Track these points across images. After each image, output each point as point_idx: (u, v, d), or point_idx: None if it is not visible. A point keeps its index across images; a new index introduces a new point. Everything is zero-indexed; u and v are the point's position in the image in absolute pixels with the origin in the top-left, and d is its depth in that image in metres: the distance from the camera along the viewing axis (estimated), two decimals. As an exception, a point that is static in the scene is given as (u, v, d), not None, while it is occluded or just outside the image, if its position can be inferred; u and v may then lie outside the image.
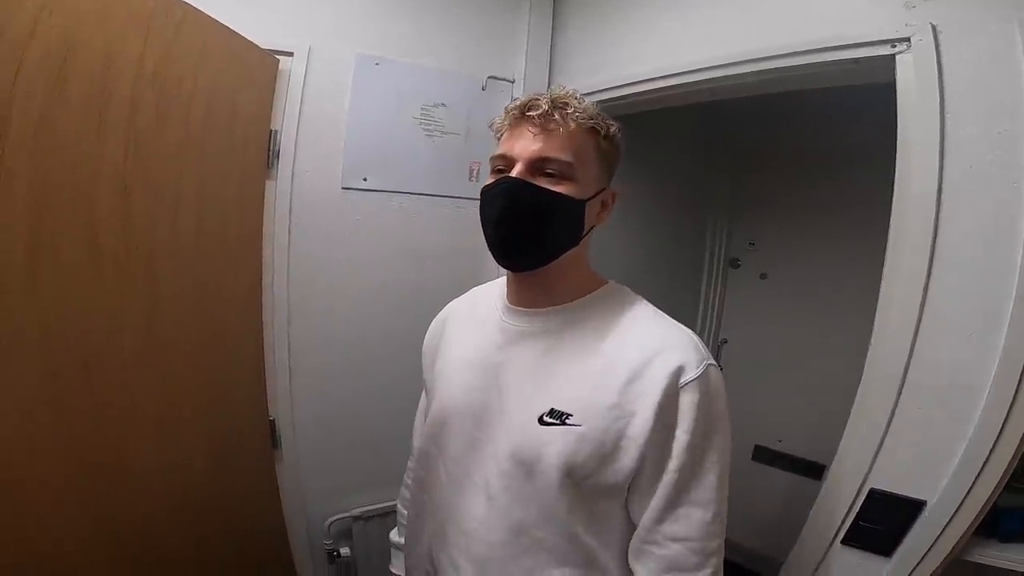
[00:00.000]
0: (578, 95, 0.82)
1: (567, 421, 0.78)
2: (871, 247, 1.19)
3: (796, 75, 1.36)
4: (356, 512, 1.73)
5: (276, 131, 1.57)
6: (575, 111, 0.79)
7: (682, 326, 0.84)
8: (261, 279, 1.59)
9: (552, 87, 0.86)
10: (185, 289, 1.36)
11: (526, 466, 0.80)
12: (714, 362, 0.80)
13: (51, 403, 1.09)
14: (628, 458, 0.76)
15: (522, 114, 0.80)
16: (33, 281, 1.05)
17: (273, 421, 1.65)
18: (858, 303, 1.22)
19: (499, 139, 0.86)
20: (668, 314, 0.87)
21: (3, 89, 0.97)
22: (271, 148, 1.57)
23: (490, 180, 0.84)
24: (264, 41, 1.50)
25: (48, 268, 1.07)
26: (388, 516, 1.72)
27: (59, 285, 1.10)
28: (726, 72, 1.46)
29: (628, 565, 0.82)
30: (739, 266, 2.88)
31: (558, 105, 0.79)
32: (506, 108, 0.84)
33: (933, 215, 1.08)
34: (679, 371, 0.75)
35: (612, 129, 0.84)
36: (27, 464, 1.06)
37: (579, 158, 0.80)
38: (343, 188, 1.69)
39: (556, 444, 0.78)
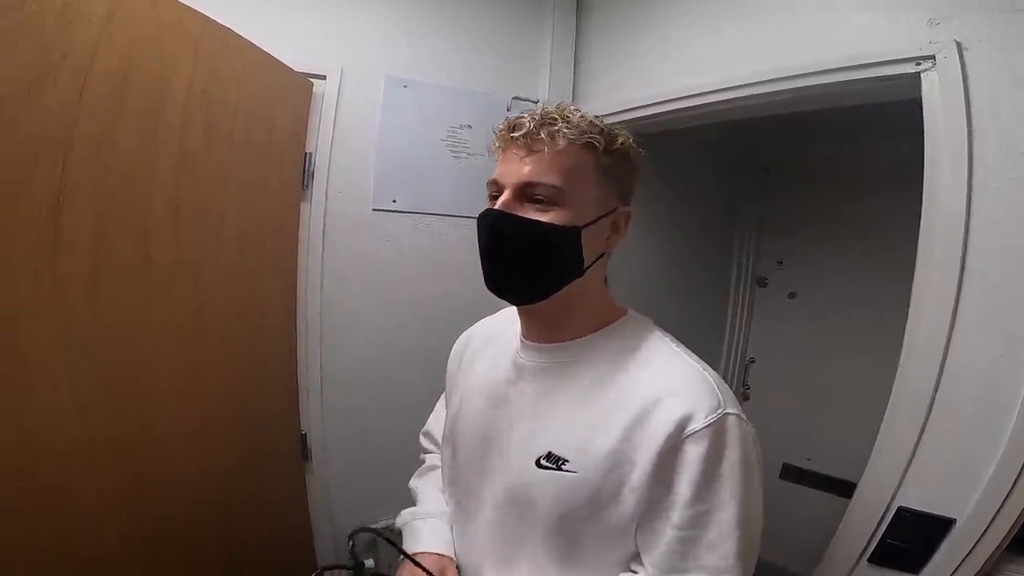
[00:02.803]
0: (571, 109, 0.75)
1: (563, 467, 0.74)
2: (901, 265, 1.18)
3: (821, 93, 1.37)
4: (381, 525, 1.75)
5: (310, 153, 1.63)
6: (564, 126, 0.71)
7: (703, 366, 0.76)
8: (296, 296, 1.64)
9: (559, 103, 0.78)
10: (228, 302, 1.41)
11: (521, 507, 0.78)
12: (735, 411, 0.71)
13: (106, 411, 1.13)
14: (627, 507, 0.72)
15: (509, 135, 0.74)
16: (95, 291, 1.09)
17: (305, 435, 1.68)
18: (888, 321, 1.21)
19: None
20: (693, 332, 0.85)
21: (69, 106, 1.01)
22: (306, 170, 1.63)
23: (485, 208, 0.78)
24: (298, 64, 1.56)
25: (108, 278, 1.12)
26: (415, 529, 1.74)
27: (117, 295, 1.14)
28: (750, 92, 1.47)
29: None
30: (767, 285, 2.87)
31: (545, 122, 0.72)
32: (496, 129, 0.78)
33: (962, 234, 1.08)
34: (686, 419, 0.69)
35: (619, 142, 0.76)
36: (84, 470, 1.09)
37: (571, 180, 0.72)
38: (374, 209, 1.74)
39: (550, 489, 0.75)
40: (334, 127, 1.65)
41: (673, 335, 0.83)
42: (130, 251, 1.17)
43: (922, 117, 1.18)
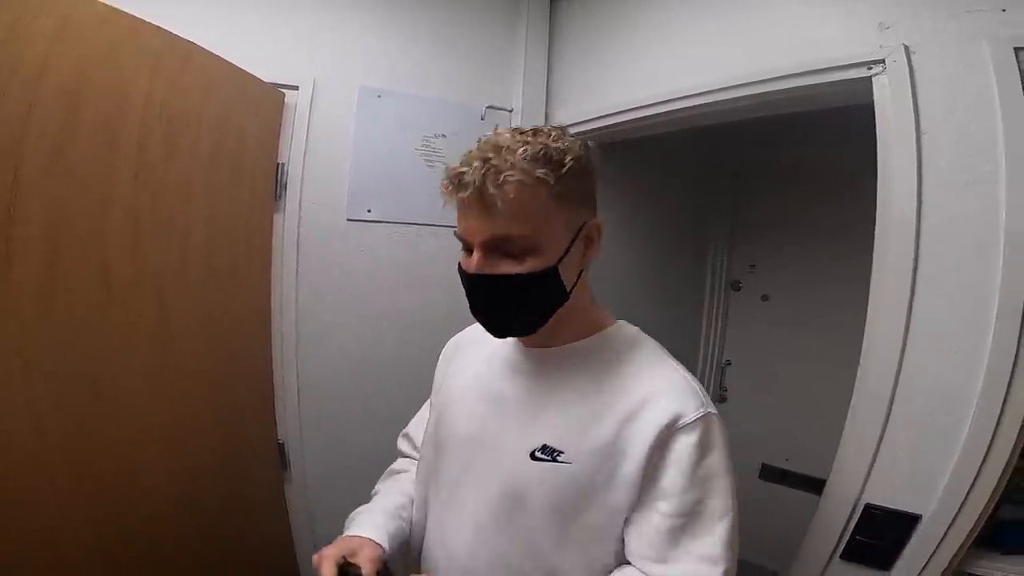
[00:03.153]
0: (507, 140, 0.72)
1: (558, 458, 0.77)
2: (867, 268, 1.21)
3: (782, 98, 1.40)
4: (362, 535, 1.75)
5: (283, 164, 1.63)
6: (508, 173, 0.68)
7: (685, 371, 0.82)
8: (270, 307, 1.64)
9: (481, 139, 0.75)
10: (195, 314, 1.40)
11: (514, 500, 0.80)
12: (715, 411, 0.77)
13: (61, 421, 1.12)
14: (619, 499, 0.75)
15: (457, 195, 0.73)
16: (48, 303, 1.09)
17: (282, 444, 1.68)
18: (857, 323, 1.24)
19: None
20: (670, 337, 0.88)
21: (19, 121, 1.02)
22: (278, 180, 1.63)
23: (460, 260, 0.79)
24: (270, 75, 1.56)
25: (62, 291, 1.12)
26: (394, 538, 1.73)
27: (72, 307, 1.14)
28: (715, 98, 1.50)
29: None
30: (740, 288, 2.89)
31: (488, 172, 0.68)
32: (441, 179, 0.76)
33: (914, 236, 1.11)
34: (677, 414, 0.74)
35: (567, 161, 0.72)
36: (37, 479, 1.09)
37: (534, 222, 0.71)
38: (348, 219, 1.74)
39: (545, 480, 0.77)
40: (307, 137, 1.65)
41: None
42: (86, 261, 1.16)
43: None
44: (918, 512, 1.13)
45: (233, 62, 1.45)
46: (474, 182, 0.69)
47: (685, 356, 0.89)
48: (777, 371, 2.68)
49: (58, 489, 1.12)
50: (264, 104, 1.57)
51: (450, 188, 0.73)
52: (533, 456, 0.78)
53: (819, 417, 2.37)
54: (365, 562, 0.76)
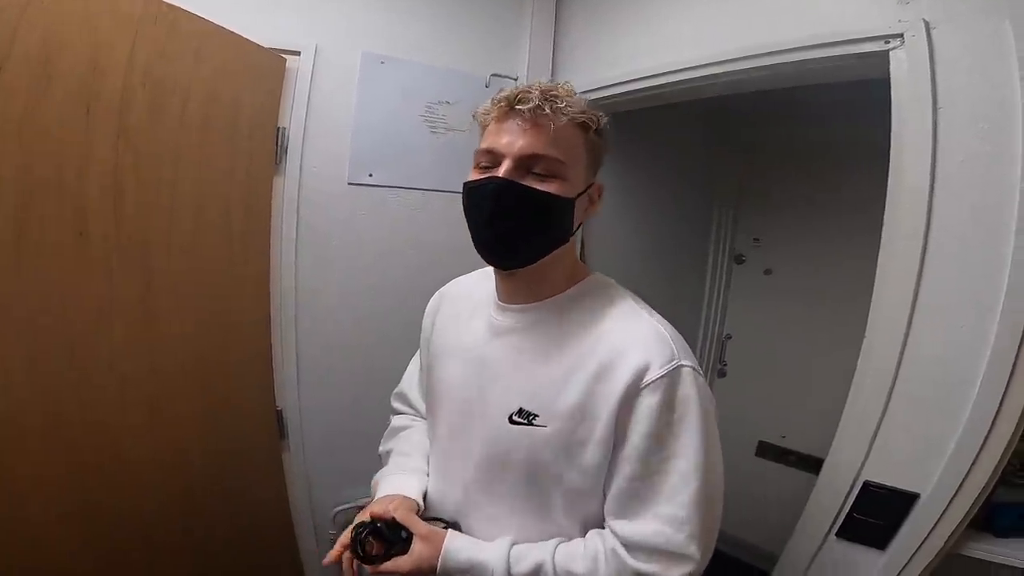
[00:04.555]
0: (570, 88, 0.79)
1: (533, 421, 0.79)
2: (874, 245, 1.19)
3: (795, 71, 1.36)
4: (362, 502, 1.74)
5: (284, 128, 1.61)
6: (567, 105, 0.75)
7: (661, 321, 0.81)
8: (269, 271, 1.62)
9: (542, 80, 0.81)
10: (184, 279, 1.40)
11: (497, 463, 0.83)
12: (689, 363, 0.76)
13: (35, 385, 1.13)
14: (592, 459, 0.77)
15: (510, 107, 0.77)
16: (18, 262, 1.10)
17: (280, 411, 1.68)
18: (862, 299, 1.22)
19: (483, 131, 0.83)
20: (671, 309, 0.87)
21: None
22: (279, 144, 1.60)
23: (475, 176, 0.80)
24: (271, 41, 1.53)
25: (33, 251, 1.12)
26: (391, 506, 1.75)
27: (44, 268, 1.14)
28: (725, 68, 1.46)
29: None
30: (744, 262, 2.88)
31: (549, 98, 0.75)
32: (493, 99, 0.80)
33: (926, 209, 1.09)
34: (641, 371, 0.73)
35: (602, 123, 0.81)
36: (9, 445, 1.10)
37: (569, 155, 0.77)
38: (349, 184, 1.72)
39: (522, 444, 0.80)
40: (308, 102, 1.62)
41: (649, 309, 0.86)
42: (60, 222, 1.16)
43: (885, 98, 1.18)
44: (917, 491, 1.12)
45: (231, 28, 1.43)
46: (535, 99, 0.74)
47: (686, 329, 0.88)
48: (778, 347, 2.68)
49: (35, 455, 1.13)
50: (264, 69, 1.54)
51: (503, 103, 0.77)
52: (511, 420, 0.81)
53: (818, 395, 2.38)
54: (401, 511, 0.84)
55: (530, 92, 0.75)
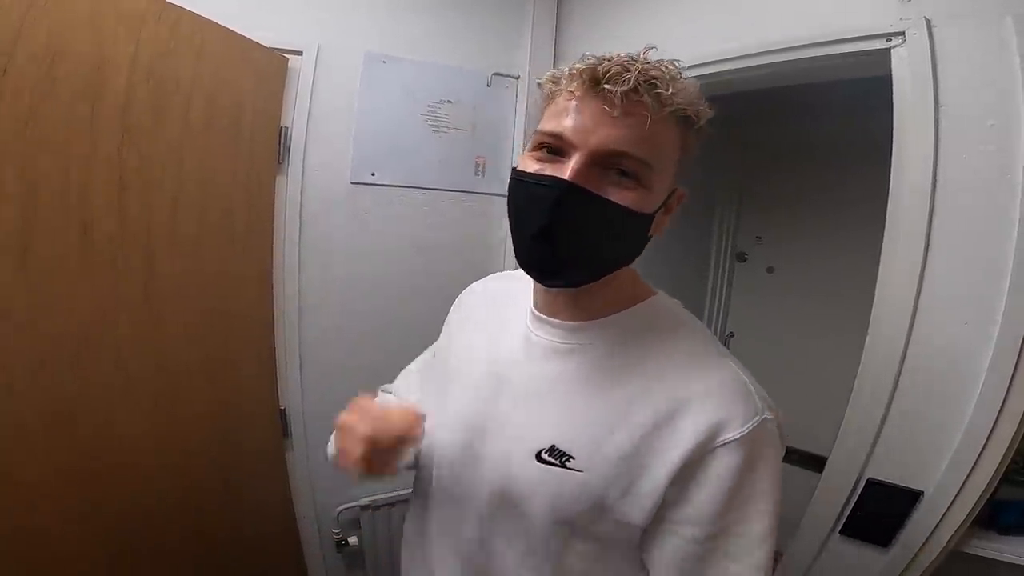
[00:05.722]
0: (672, 70, 0.60)
1: (567, 464, 0.64)
2: (878, 241, 1.19)
3: (794, 69, 1.36)
4: (364, 501, 1.77)
5: (286, 128, 1.61)
6: (672, 93, 0.58)
7: (736, 362, 0.67)
8: (272, 270, 1.63)
9: (639, 53, 0.62)
10: (187, 278, 1.40)
11: (511, 502, 0.68)
12: (771, 415, 0.62)
13: (40, 385, 1.13)
14: (633, 515, 0.64)
15: (596, 83, 0.58)
16: (23, 263, 1.10)
17: (284, 411, 1.68)
18: (865, 296, 1.22)
19: (548, 104, 0.64)
20: None
21: None
22: (281, 144, 1.61)
23: (532, 165, 0.63)
24: (273, 40, 1.54)
25: (39, 252, 1.12)
26: (395, 506, 1.76)
27: (50, 269, 1.14)
28: (725, 67, 1.46)
29: None
30: (746, 260, 2.88)
31: (649, 81, 0.57)
32: (573, 67, 0.61)
33: (928, 207, 1.09)
34: (718, 427, 0.60)
35: (704, 119, 0.64)
36: (14, 446, 1.10)
37: (660, 158, 0.61)
38: (352, 183, 1.72)
39: (549, 487, 0.65)
40: (311, 102, 1.63)
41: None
42: (66, 219, 1.16)
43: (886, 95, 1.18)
44: (920, 488, 1.12)
45: (233, 28, 1.43)
46: (631, 82, 0.56)
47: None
48: (780, 345, 2.67)
49: (35, 453, 1.13)
50: (266, 69, 1.55)
51: (587, 77, 0.59)
52: (539, 457, 0.66)
53: (821, 392, 2.37)
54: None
55: (627, 70, 0.57)
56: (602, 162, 0.59)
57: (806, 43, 1.30)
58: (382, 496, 1.78)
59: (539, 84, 0.66)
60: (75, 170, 1.17)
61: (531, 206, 0.61)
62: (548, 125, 0.61)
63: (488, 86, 1.87)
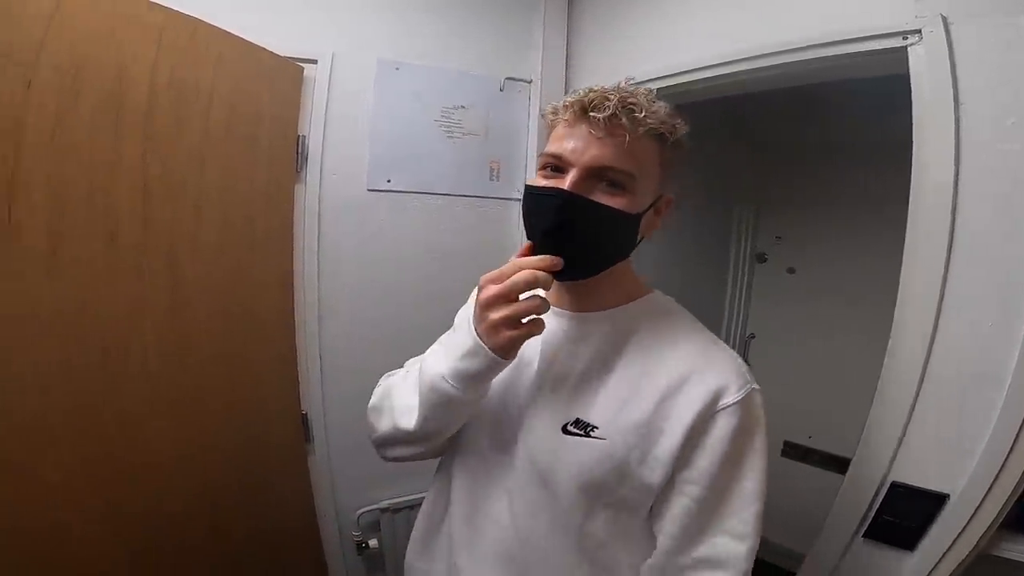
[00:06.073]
0: (651, 95, 0.75)
1: (591, 433, 0.75)
2: (900, 240, 1.18)
3: (809, 69, 1.35)
4: (384, 504, 1.78)
5: (304, 136, 1.63)
6: (645, 115, 0.71)
7: (726, 346, 0.80)
8: (292, 277, 1.65)
9: (620, 83, 0.77)
10: (210, 284, 1.42)
11: (543, 474, 0.78)
12: (758, 387, 0.75)
13: (68, 388, 1.17)
14: (652, 477, 0.74)
15: (584, 112, 0.71)
16: (52, 269, 1.13)
17: (305, 415, 1.70)
18: (887, 297, 1.21)
19: (551, 131, 0.78)
20: (692, 309, 0.85)
21: (17, 100, 1.07)
22: (299, 152, 1.63)
23: (540, 181, 0.76)
24: (288, 50, 1.56)
25: (67, 257, 1.15)
26: (415, 508, 1.75)
27: (77, 274, 1.17)
28: (739, 67, 1.46)
29: None
30: (766, 260, 2.85)
31: (627, 107, 0.70)
32: (565, 100, 0.75)
33: (950, 206, 1.07)
34: (718, 394, 0.72)
35: (679, 134, 0.76)
36: (43, 445, 1.13)
37: (641, 168, 0.73)
38: (368, 190, 1.74)
39: (576, 456, 0.75)
40: (327, 110, 1.65)
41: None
42: (92, 228, 1.20)
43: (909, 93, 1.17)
44: (946, 491, 1.10)
45: (248, 37, 1.46)
46: (612, 107, 0.69)
47: (708, 328, 0.86)
48: (802, 346, 2.65)
49: (61, 453, 1.16)
50: (281, 78, 1.57)
51: (577, 108, 0.72)
52: (565, 430, 0.76)
53: (843, 394, 2.35)
54: None
55: (607, 98, 0.70)
56: (594, 175, 0.72)
57: (820, 42, 1.29)
58: (401, 499, 1.80)
59: (542, 115, 0.81)
60: (100, 178, 1.20)
61: (540, 212, 0.73)
62: (550, 148, 0.75)
63: (501, 90, 1.88)
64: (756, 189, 2.84)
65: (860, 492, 1.22)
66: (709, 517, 0.73)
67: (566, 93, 1.93)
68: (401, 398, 0.85)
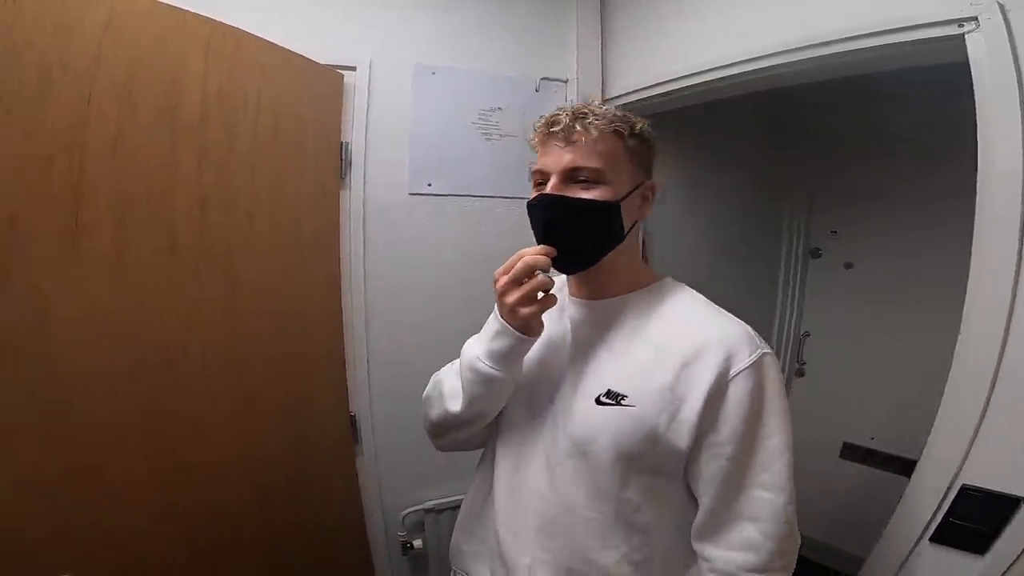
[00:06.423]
0: (597, 103, 0.87)
1: (622, 402, 0.82)
2: (964, 233, 1.12)
3: (860, 59, 1.31)
4: (428, 504, 1.79)
5: (347, 143, 1.66)
6: (595, 119, 0.82)
7: (735, 318, 0.86)
8: (339, 280, 1.68)
9: (575, 101, 0.86)
10: (262, 287, 1.46)
11: (582, 445, 0.84)
12: (768, 349, 0.81)
13: (132, 388, 1.21)
14: (680, 440, 0.80)
15: (548, 131, 0.85)
16: (118, 275, 1.18)
17: (354, 416, 1.73)
18: (954, 292, 1.15)
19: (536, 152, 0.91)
20: (742, 306, 0.88)
21: (78, 113, 1.12)
22: (343, 158, 1.66)
23: (532, 195, 0.89)
24: (327, 57, 1.59)
25: (131, 265, 1.20)
26: (458, 509, 1.76)
27: (141, 280, 1.22)
28: (784, 60, 1.42)
29: (682, 543, 0.86)
30: (821, 256, 2.76)
31: (578, 116, 0.83)
32: (533, 126, 0.89)
33: (1020, 194, 1.02)
34: (731, 358, 0.79)
35: (638, 127, 0.87)
36: (110, 444, 1.18)
37: (607, 162, 0.83)
38: (410, 194, 1.76)
39: (611, 424, 0.82)
40: (367, 116, 1.68)
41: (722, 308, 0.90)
42: (154, 238, 1.24)
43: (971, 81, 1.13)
44: (1020, 495, 1.04)
45: (289, 46, 1.49)
46: (565, 120, 0.83)
47: (758, 327, 0.86)
48: (861, 343, 2.55)
49: (126, 452, 1.20)
50: (323, 86, 1.60)
51: (543, 129, 0.86)
52: (598, 401, 0.84)
53: (906, 393, 2.26)
54: None
55: (560, 115, 0.84)
56: (568, 177, 0.84)
57: (872, 31, 1.26)
58: (445, 500, 1.80)
59: (529, 143, 0.91)
60: (159, 185, 1.25)
61: (535, 217, 0.87)
62: (535, 166, 0.88)
63: (536, 91, 1.88)
64: (808, 184, 2.75)
65: (927, 495, 1.17)
66: (742, 474, 0.79)
67: (602, 90, 1.93)
68: (448, 385, 0.97)
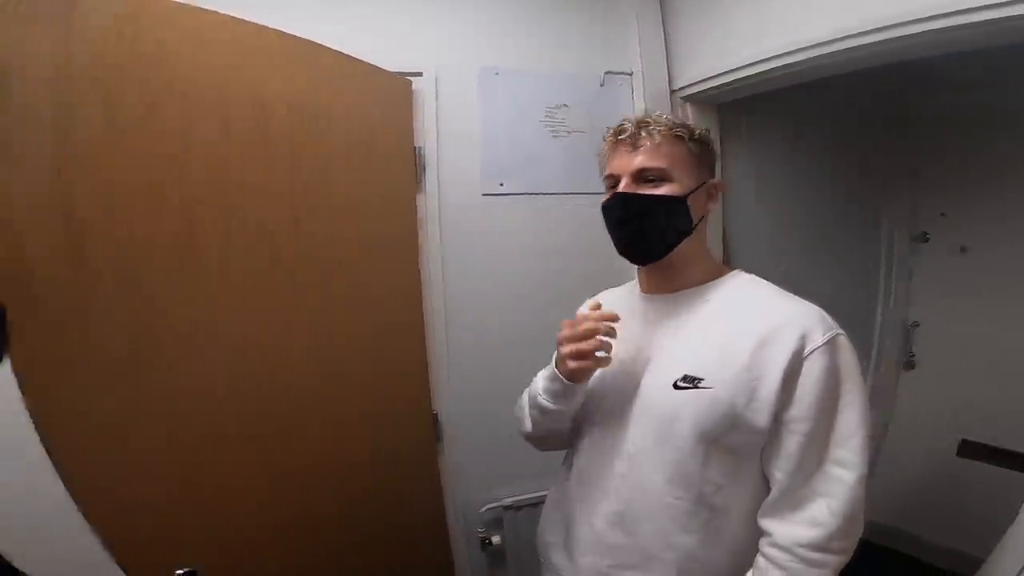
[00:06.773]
0: (657, 114, 0.96)
1: (699, 384, 0.86)
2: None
3: (941, 38, 1.24)
4: (507, 502, 1.79)
5: (420, 148, 1.73)
6: (656, 126, 0.92)
7: (807, 302, 0.90)
8: (421, 283, 1.74)
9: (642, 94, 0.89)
10: (352, 294, 1.52)
11: (662, 429, 0.89)
12: (842, 332, 0.85)
13: (238, 398, 1.30)
14: (759, 419, 0.83)
15: (616, 139, 0.95)
16: (224, 290, 1.27)
17: (436, 415, 1.77)
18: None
19: (606, 162, 1.00)
20: (841, 297, 0.86)
21: (181, 131, 1.22)
22: (417, 163, 1.72)
23: (606, 196, 0.97)
24: (394, 64, 1.66)
25: (236, 279, 1.29)
26: (537, 507, 1.75)
27: (245, 293, 1.30)
28: (862, 41, 1.35)
29: (753, 525, 0.88)
30: (928, 240, 2.53)
31: (642, 124, 0.93)
32: (604, 137, 0.99)
33: None
34: (805, 338, 0.82)
35: (697, 132, 0.96)
36: (217, 452, 1.26)
37: (672, 161, 0.92)
38: (483, 195, 1.81)
39: (690, 406, 0.87)
40: (437, 120, 1.74)
41: (821, 305, 0.90)
42: (256, 250, 1.32)
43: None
44: None
45: (358, 56, 1.56)
46: (631, 130, 0.93)
47: (858, 316, 0.85)
48: (978, 335, 2.30)
49: (233, 449, 1.29)
50: (393, 93, 1.67)
51: (611, 138, 0.96)
52: (676, 386, 0.89)
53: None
54: None
55: (625, 124, 0.94)
56: (637, 178, 0.93)
57: (975, 6, 1.16)
58: (524, 497, 1.80)
59: (597, 156, 1.02)
60: (258, 200, 1.34)
61: (610, 214, 0.96)
62: (606, 171, 0.98)
63: (601, 85, 1.89)
64: (911, 163, 2.54)
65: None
66: (819, 449, 0.82)
67: (668, 82, 1.91)
68: (523, 407, 1.10)
